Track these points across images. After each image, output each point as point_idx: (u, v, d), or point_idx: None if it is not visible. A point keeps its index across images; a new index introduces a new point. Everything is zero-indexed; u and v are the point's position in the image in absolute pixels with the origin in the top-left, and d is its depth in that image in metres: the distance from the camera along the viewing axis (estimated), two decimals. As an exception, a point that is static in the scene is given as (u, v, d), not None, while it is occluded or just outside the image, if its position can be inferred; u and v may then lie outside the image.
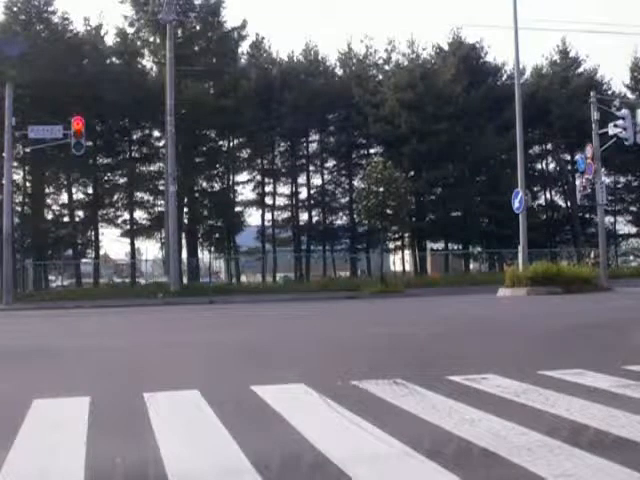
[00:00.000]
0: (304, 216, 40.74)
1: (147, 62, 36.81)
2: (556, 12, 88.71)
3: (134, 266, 37.41)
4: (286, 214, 40.87)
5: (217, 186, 38.50)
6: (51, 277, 36.04)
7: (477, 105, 37.37)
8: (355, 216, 39.06)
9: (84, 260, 36.82)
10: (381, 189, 27.26)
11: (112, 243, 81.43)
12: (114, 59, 36.11)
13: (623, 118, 26.36)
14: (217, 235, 38.55)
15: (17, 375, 6.47)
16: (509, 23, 45.47)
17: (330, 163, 41.41)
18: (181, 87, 30.72)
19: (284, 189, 40.83)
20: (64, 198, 36.54)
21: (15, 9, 34.23)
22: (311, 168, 41.05)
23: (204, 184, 37.89)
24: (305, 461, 3.11)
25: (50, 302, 23.25)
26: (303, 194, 40.75)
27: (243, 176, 39.99)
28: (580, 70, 42.58)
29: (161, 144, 35.46)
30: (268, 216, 40.19)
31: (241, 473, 2.94)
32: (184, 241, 35.86)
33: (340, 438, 3.53)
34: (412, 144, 36.39)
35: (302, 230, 40.23)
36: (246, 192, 40.25)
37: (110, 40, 36.07)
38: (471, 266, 41.16)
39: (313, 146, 41.34)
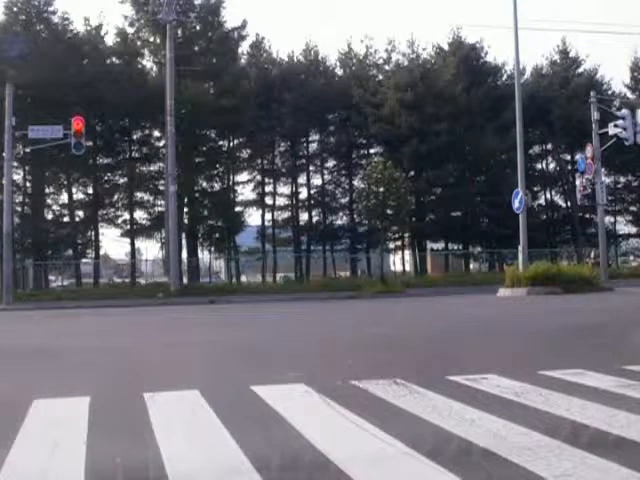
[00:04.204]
0: (304, 216, 40.76)
1: (147, 62, 36.89)
2: (556, 12, 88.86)
3: (134, 266, 37.42)
4: (286, 214, 40.89)
5: (217, 186, 38.50)
6: (51, 277, 36.07)
7: (477, 105, 37.37)
8: (355, 216, 39.09)
9: (84, 260, 36.84)
10: (381, 189, 27.27)
11: (112, 243, 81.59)
12: (114, 59, 36.12)
13: (623, 118, 26.41)
14: (217, 235, 38.54)
15: (17, 375, 6.47)
16: (509, 23, 45.43)
17: (330, 163, 41.44)
18: (181, 87, 30.71)
19: (284, 189, 40.93)
20: (64, 198, 36.61)
21: (15, 9, 34.23)
22: (311, 168, 41.07)
23: (204, 184, 37.87)
24: (305, 461, 3.10)
25: (50, 302, 23.23)
26: (303, 194, 40.82)
27: (243, 176, 40.09)
28: (580, 70, 42.57)
29: (161, 144, 35.45)
30: (268, 216, 40.29)
31: (241, 473, 2.94)
32: (184, 241, 35.85)
33: (340, 438, 3.52)
34: (412, 144, 36.38)
35: (302, 230, 40.23)
36: (246, 192, 40.36)
37: (110, 40, 36.16)
38: (471, 266, 41.16)
39: (313, 146, 41.40)
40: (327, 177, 41.17)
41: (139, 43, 36.36)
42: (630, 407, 4.06)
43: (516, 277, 20.74)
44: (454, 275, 34.07)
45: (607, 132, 27.37)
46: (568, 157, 42.55)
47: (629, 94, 41.49)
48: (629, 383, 4.90)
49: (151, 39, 35.67)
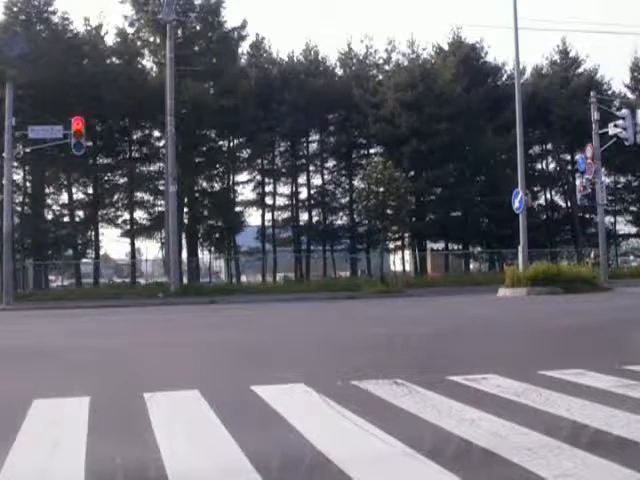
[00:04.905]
0: (304, 216, 40.73)
1: (147, 62, 36.84)
2: (556, 12, 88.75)
3: (134, 266, 37.42)
4: (286, 214, 40.87)
5: (217, 186, 38.48)
6: (51, 277, 36.05)
7: (477, 105, 37.35)
8: (355, 216, 39.08)
9: (84, 260, 36.82)
10: (381, 189, 27.26)
11: (112, 243, 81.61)
12: (114, 59, 36.09)
13: (623, 118, 26.40)
14: (217, 235, 38.53)
15: (17, 375, 6.48)
16: (509, 23, 45.45)
17: (330, 163, 41.40)
18: (181, 87, 30.69)
19: (284, 189, 40.89)
20: (64, 198, 36.57)
21: (15, 9, 34.20)
22: (311, 168, 41.04)
23: (204, 184, 37.87)
24: (305, 461, 3.11)
25: (50, 302, 23.22)
26: (303, 194, 40.78)
27: (243, 176, 40.04)
28: (580, 70, 42.55)
29: (161, 144, 35.44)
30: (268, 216, 40.24)
31: (241, 473, 2.94)
32: (184, 241, 35.84)
33: (340, 438, 3.52)
34: (412, 144, 36.35)
35: (302, 230, 40.21)
36: (246, 192, 40.31)
37: (110, 40, 36.12)
38: (471, 266, 41.13)
39: (313, 146, 41.35)
40: (327, 177, 41.16)
41: (139, 43, 36.33)
42: (630, 407, 4.06)
43: (516, 277, 20.73)
44: (454, 275, 34.05)
45: (607, 132, 27.36)
46: (568, 157, 42.52)
47: (629, 94, 41.49)
48: (629, 383, 4.90)
49: (151, 39, 35.64)
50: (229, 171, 38.56)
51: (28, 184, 35.37)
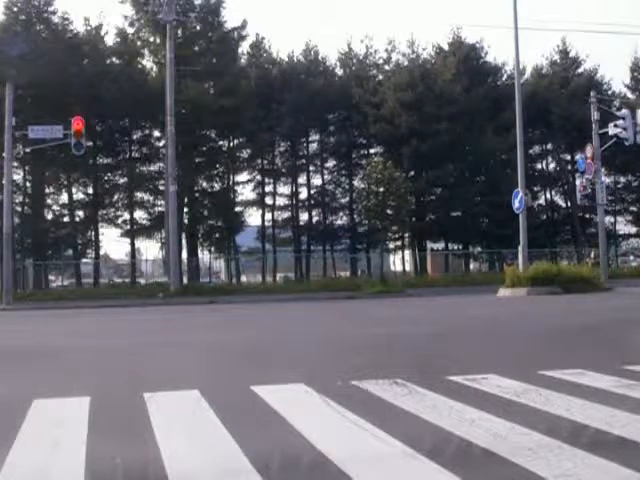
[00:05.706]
0: (304, 216, 40.74)
1: (147, 62, 36.85)
2: (556, 12, 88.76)
3: (134, 266, 37.42)
4: (286, 214, 40.89)
5: (217, 186, 38.49)
6: (51, 277, 36.07)
7: (477, 105, 37.36)
8: (355, 216, 39.09)
9: (84, 260, 36.84)
10: (381, 189, 27.29)
11: (112, 243, 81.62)
12: (114, 59, 36.14)
13: (623, 118, 26.40)
14: (217, 235, 38.54)
15: (17, 375, 6.47)
16: (509, 23, 45.51)
17: (330, 163, 41.43)
18: (181, 87, 30.70)
19: (284, 189, 40.92)
20: (64, 198, 36.60)
21: (15, 9, 34.23)
22: (311, 168, 41.06)
23: (204, 184, 37.89)
24: (305, 461, 3.10)
25: (50, 302, 23.23)
26: (303, 194, 40.80)
27: (243, 176, 40.08)
28: (580, 70, 42.58)
29: (161, 144, 35.44)
30: (268, 216, 40.28)
31: (241, 473, 2.94)
32: (184, 241, 35.84)
33: (340, 438, 3.52)
34: (412, 144, 36.35)
35: (302, 230, 40.22)
36: (246, 192, 40.35)
37: (110, 40, 36.17)
38: (471, 266, 41.14)
39: (313, 146, 41.37)
40: (327, 177, 41.19)
41: (139, 43, 36.35)
42: (630, 407, 4.06)
43: (516, 277, 20.73)
44: (454, 275, 34.03)
45: (607, 132, 27.36)
46: (568, 157, 42.52)
47: (629, 94, 41.50)
48: (629, 383, 4.90)
49: (151, 39, 35.65)
50: (229, 171, 38.57)
51: (28, 184, 35.39)
